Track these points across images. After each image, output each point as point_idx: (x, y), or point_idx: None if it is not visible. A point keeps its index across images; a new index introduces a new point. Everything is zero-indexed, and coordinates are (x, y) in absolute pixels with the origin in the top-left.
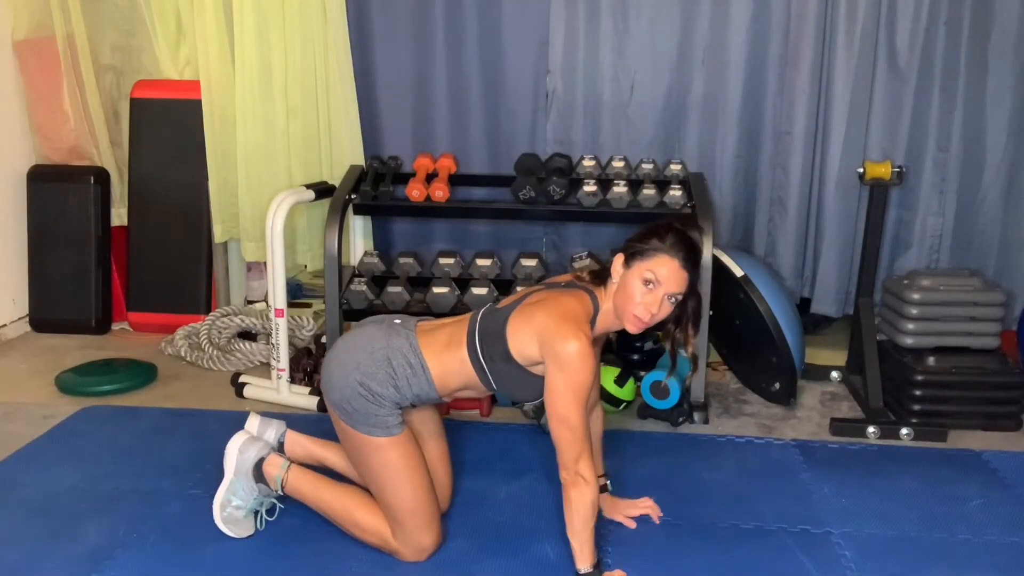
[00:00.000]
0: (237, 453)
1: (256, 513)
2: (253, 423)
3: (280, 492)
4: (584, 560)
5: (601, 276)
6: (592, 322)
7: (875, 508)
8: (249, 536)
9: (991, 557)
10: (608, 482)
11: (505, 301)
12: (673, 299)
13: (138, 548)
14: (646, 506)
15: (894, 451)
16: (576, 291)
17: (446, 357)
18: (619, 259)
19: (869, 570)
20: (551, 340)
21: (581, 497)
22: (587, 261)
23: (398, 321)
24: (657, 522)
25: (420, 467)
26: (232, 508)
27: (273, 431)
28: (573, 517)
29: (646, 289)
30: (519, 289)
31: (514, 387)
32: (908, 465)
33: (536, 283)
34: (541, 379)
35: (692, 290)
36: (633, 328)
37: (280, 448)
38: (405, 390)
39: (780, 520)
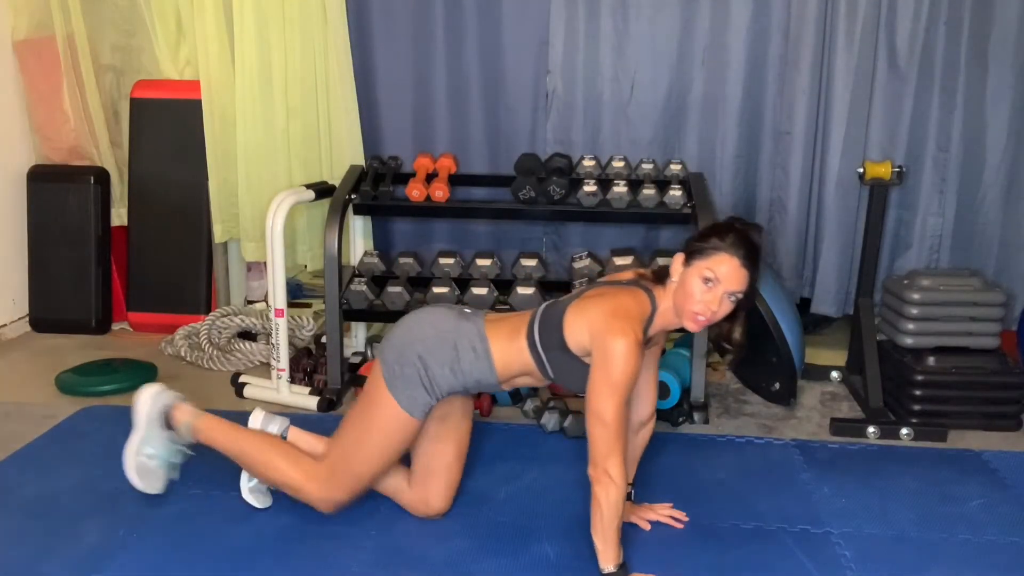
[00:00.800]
0: (149, 402)
1: (172, 464)
2: (257, 418)
3: (191, 439)
4: (608, 560)
5: (661, 276)
6: (649, 321)
7: (875, 508)
8: (161, 492)
9: (991, 557)
10: (633, 491)
11: (565, 296)
12: (733, 297)
13: (138, 548)
14: (666, 513)
15: (894, 451)
16: (634, 289)
17: (508, 345)
18: (679, 258)
19: (869, 570)
20: (600, 335)
21: (607, 495)
22: (587, 261)
23: (468, 311)
24: (681, 527)
25: (399, 456)
26: (144, 456)
27: (276, 427)
28: (597, 516)
29: (706, 287)
30: (576, 285)
31: (569, 375)
32: (908, 465)
33: (537, 283)
34: None
35: (755, 287)
36: (693, 326)
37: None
38: (462, 375)
39: (780, 520)
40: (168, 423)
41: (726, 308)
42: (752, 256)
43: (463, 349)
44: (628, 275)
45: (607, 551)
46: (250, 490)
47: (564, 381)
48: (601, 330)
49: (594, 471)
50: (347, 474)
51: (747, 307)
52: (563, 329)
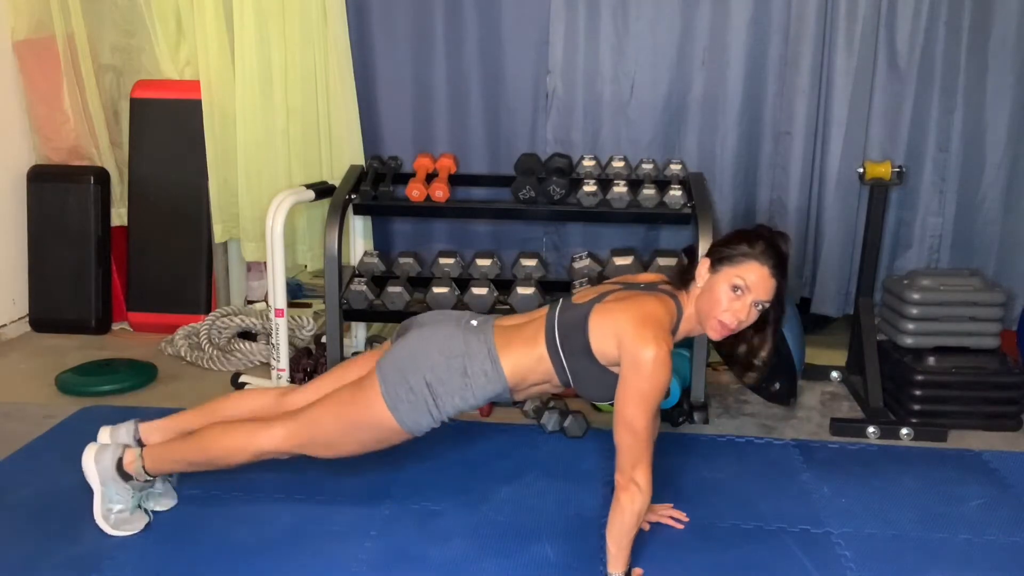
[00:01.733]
0: (94, 465)
1: (140, 506)
2: (104, 435)
3: (149, 477)
4: (617, 566)
5: (685, 280)
6: (675, 328)
7: (875, 508)
8: (147, 526)
9: (991, 557)
10: None
11: (580, 296)
12: (760, 306)
13: (138, 548)
14: (666, 514)
15: (894, 451)
16: (660, 295)
17: (523, 357)
18: (705, 264)
19: (869, 570)
20: (630, 343)
21: (632, 503)
22: (587, 261)
23: (475, 323)
24: (681, 527)
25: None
26: (116, 514)
27: (123, 432)
28: (616, 521)
29: (734, 295)
30: (576, 285)
31: (591, 384)
32: (908, 465)
33: (536, 283)
34: (617, 378)
35: (778, 299)
36: (716, 335)
37: (139, 445)
38: (473, 398)
39: (780, 520)
40: (124, 473)
41: (752, 318)
42: (782, 266)
43: (474, 374)
44: (648, 277)
45: (619, 556)
46: (113, 526)
47: (583, 388)
48: (632, 339)
49: (622, 478)
50: (323, 448)
51: (779, 321)
52: (588, 333)
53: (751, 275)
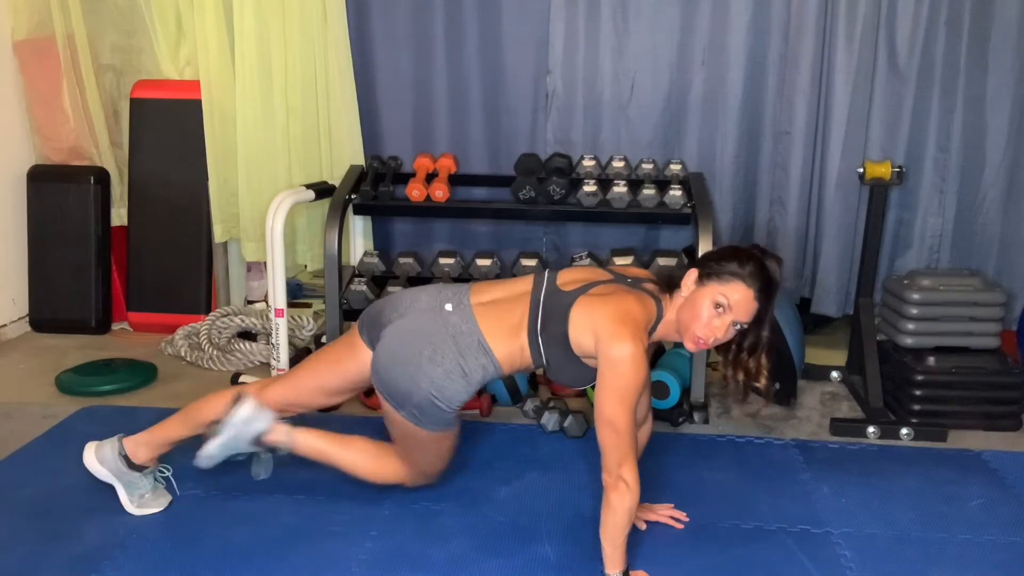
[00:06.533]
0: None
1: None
2: (89, 451)
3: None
4: (614, 565)
5: (671, 285)
6: (652, 330)
7: (875, 508)
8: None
9: (991, 557)
10: None
11: (567, 280)
12: (738, 326)
13: (138, 548)
14: (666, 514)
15: (894, 451)
16: (642, 294)
17: (511, 344)
18: (692, 274)
19: (869, 570)
20: (606, 339)
21: (621, 501)
22: (587, 261)
23: (449, 307)
24: (681, 527)
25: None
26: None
27: (108, 449)
28: (608, 520)
29: (715, 312)
30: (576, 263)
31: (563, 371)
32: (908, 465)
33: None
34: (592, 371)
35: (762, 321)
36: (692, 347)
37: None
38: (476, 384)
39: (780, 520)
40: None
41: (728, 336)
42: (768, 291)
43: (471, 371)
44: (637, 272)
45: (615, 556)
46: (139, 508)
47: (555, 374)
48: (608, 336)
49: (609, 478)
50: (424, 470)
51: (772, 345)
52: (568, 324)
53: (735, 295)
